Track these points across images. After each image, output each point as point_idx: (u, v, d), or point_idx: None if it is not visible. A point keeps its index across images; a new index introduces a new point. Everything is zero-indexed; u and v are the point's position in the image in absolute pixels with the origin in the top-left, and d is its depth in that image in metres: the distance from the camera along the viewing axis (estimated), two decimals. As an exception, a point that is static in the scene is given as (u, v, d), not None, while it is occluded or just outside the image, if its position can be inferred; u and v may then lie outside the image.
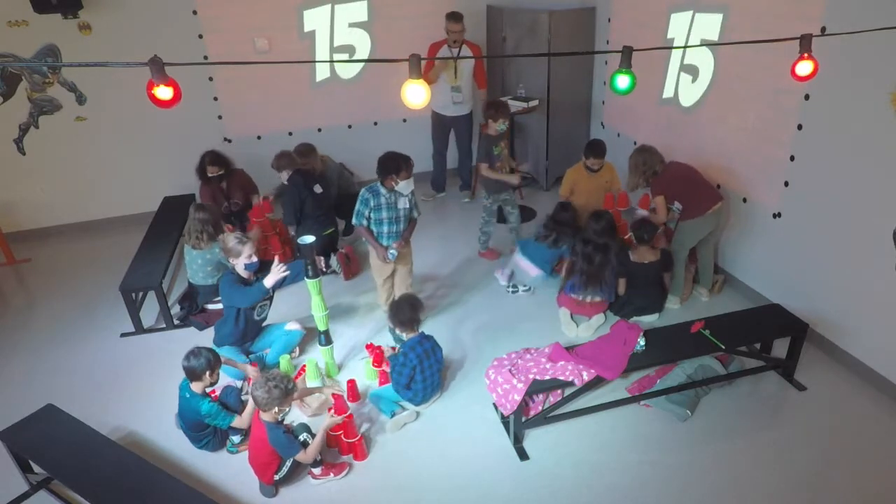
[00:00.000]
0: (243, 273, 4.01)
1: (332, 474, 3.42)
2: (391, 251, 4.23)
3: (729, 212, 4.85)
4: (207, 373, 3.43)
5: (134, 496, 2.99)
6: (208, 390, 3.55)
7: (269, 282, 3.88)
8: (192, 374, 3.44)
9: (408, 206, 4.25)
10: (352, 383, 3.92)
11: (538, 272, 4.96)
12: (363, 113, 6.78)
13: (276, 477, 3.32)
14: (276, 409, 3.21)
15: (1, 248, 5.80)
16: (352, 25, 6.33)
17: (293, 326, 4.35)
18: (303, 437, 3.39)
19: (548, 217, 5.01)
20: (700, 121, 5.09)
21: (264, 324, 4.32)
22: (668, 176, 4.58)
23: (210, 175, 5.39)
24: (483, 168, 5.15)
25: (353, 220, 4.26)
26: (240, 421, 3.52)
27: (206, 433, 3.57)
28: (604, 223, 4.44)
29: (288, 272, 3.92)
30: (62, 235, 6.29)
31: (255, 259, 4.00)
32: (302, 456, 3.28)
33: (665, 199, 4.60)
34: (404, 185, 4.12)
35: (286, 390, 3.19)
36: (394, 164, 4.08)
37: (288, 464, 3.31)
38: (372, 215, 4.19)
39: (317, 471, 3.40)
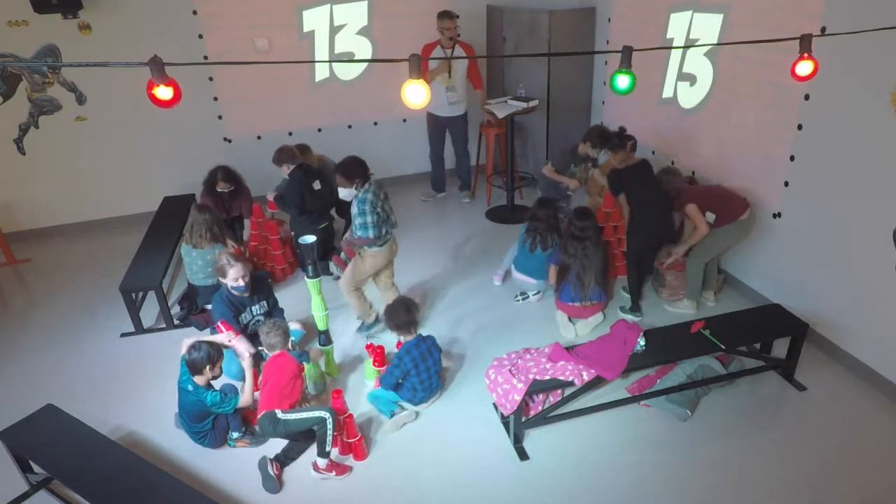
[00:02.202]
0: (234, 292, 3.97)
1: (334, 472, 3.42)
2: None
3: (754, 221, 4.71)
4: (208, 367, 3.46)
5: (134, 496, 2.99)
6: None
7: (243, 358, 3.74)
8: (194, 368, 3.46)
9: (356, 213, 4.07)
10: (380, 349, 4.11)
11: (534, 282, 4.96)
12: (363, 113, 6.78)
13: (279, 414, 3.37)
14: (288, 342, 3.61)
15: (1, 248, 5.80)
16: (351, 25, 6.33)
17: (293, 326, 4.35)
18: (323, 413, 3.37)
19: (527, 219, 4.97)
20: (700, 121, 5.09)
21: None
22: (697, 189, 4.58)
23: (219, 190, 5.32)
24: (546, 168, 5.20)
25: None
26: (244, 399, 3.56)
27: (205, 427, 3.57)
28: (588, 221, 4.44)
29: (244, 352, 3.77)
30: (62, 235, 6.29)
31: (241, 283, 3.91)
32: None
33: (699, 209, 4.46)
34: (341, 192, 4.11)
35: (284, 329, 3.63)
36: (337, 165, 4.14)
37: (293, 415, 3.39)
38: None
39: (321, 463, 3.39)
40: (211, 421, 3.57)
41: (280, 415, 3.34)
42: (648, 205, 4.52)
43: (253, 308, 4.07)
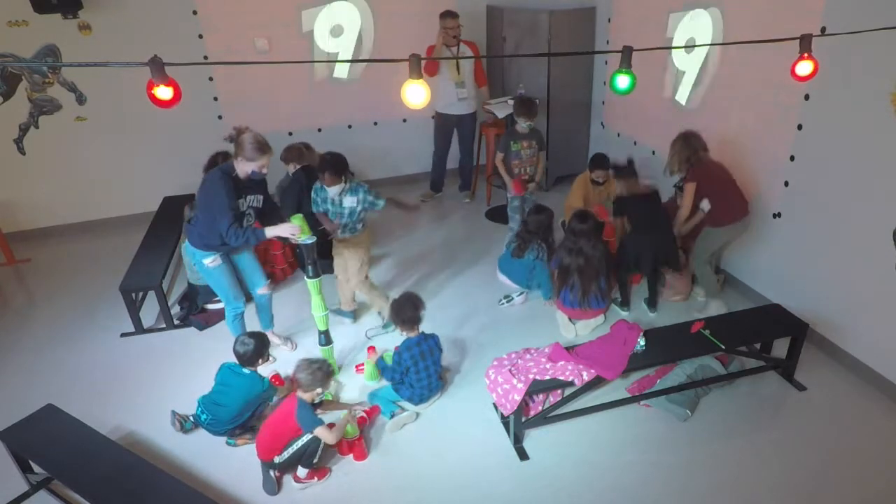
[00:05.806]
0: (242, 174, 3.67)
1: (315, 478, 3.41)
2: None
3: (751, 220, 4.62)
4: (260, 360, 3.63)
5: (134, 496, 2.99)
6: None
7: (270, 232, 3.69)
8: (248, 361, 3.59)
9: (355, 205, 4.18)
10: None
11: (516, 287, 4.94)
12: (363, 113, 6.78)
13: (277, 459, 3.30)
14: (319, 389, 3.40)
15: (1, 248, 5.79)
16: (351, 25, 6.33)
17: (264, 290, 4.24)
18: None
19: (521, 225, 4.95)
20: (700, 121, 5.07)
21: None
22: (705, 169, 4.34)
23: None
24: (498, 157, 5.27)
25: (311, 207, 4.36)
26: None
27: (243, 417, 3.63)
28: (588, 224, 4.39)
29: (298, 237, 3.67)
30: (62, 235, 6.29)
31: (265, 171, 3.68)
32: (324, 432, 3.29)
33: (696, 190, 4.33)
34: (332, 190, 4.12)
35: (328, 373, 3.44)
36: (319, 166, 4.13)
37: (290, 450, 3.30)
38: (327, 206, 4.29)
39: (302, 473, 3.37)
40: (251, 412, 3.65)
41: (277, 459, 3.32)
42: (649, 230, 4.54)
43: (249, 197, 3.81)
